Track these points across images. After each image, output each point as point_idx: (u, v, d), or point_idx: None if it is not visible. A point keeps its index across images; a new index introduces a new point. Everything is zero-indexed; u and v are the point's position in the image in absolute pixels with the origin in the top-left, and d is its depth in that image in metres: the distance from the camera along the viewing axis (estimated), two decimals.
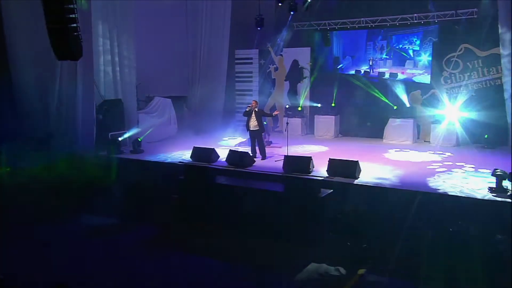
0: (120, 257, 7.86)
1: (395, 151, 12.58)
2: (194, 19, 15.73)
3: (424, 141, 13.96)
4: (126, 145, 12.75)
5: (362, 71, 15.30)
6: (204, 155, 10.87)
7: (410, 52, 14.50)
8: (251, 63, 16.77)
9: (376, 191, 8.80)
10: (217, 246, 8.26)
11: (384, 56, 14.96)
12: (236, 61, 16.99)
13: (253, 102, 11.54)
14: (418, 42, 14.33)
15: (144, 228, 9.28)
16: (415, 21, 13.85)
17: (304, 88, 15.86)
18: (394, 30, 14.58)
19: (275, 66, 16.51)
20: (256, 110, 11.24)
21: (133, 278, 7.07)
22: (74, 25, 9.31)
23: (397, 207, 8.32)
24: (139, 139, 12.45)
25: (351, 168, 9.35)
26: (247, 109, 11.29)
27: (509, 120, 12.27)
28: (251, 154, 10.95)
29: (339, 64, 15.67)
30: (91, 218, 9.81)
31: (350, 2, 14.57)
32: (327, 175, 9.46)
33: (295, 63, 16.08)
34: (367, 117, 14.71)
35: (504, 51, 12.07)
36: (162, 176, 10.61)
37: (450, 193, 8.35)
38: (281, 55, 16.26)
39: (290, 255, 7.85)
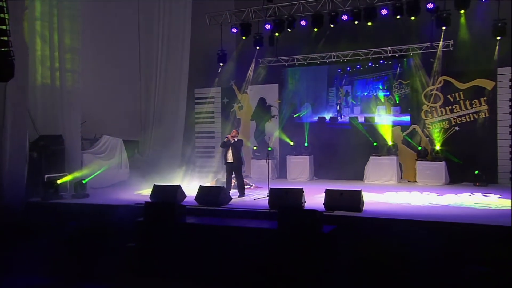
0: None
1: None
2: (148, 53, 14.17)
3: (408, 181, 12.69)
4: (66, 190, 10.41)
5: (328, 118, 14.06)
6: (168, 193, 8.82)
7: (381, 97, 13.45)
8: (212, 102, 15.22)
9: (388, 224, 7.16)
10: None
11: (352, 101, 13.84)
12: (196, 101, 15.40)
13: (234, 131, 10.17)
14: (386, 87, 13.42)
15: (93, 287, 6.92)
16: (389, 54, 13.12)
17: (273, 127, 14.41)
18: (358, 74, 13.70)
19: (239, 104, 15.05)
20: (235, 139, 9.68)
21: None
22: (5, 38, 7.76)
23: (418, 241, 6.71)
24: (84, 181, 10.18)
25: (354, 199, 7.71)
26: (224, 140, 9.89)
27: None
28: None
29: (296, 112, 14.35)
30: (23, 279, 7.33)
31: (319, 36, 13.55)
32: (325, 209, 7.73)
33: (262, 101, 14.71)
34: (344, 156, 13.28)
35: None
36: (113, 221, 8.36)
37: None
38: (246, 92, 14.87)
39: None
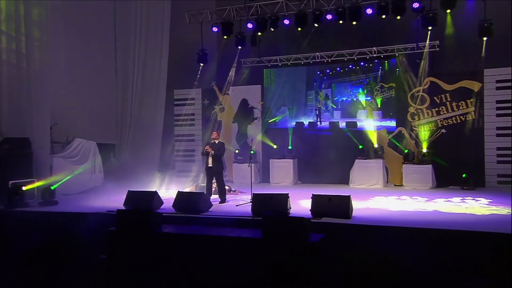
0: None
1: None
2: (125, 51, 13.55)
3: (395, 185, 12.32)
4: (33, 197, 9.68)
5: (307, 123, 13.61)
6: (143, 200, 8.22)
7: (362, 101, 13.05)
8: (193, 104, 14.65)
9: (379, 231, 6.72)
10: None
11: (332, 105, 13.39)
12: (175, 103, 14.80)
13: (214, 133, 9.69)
14: (365, 91, 13.05)
15: None
16: (375, 55, 12.77)
17: (255, 130, 13.90)
18: (338, 77, 13.30)
19: (221, 106, 14.50)
20: (216, 142, 9.21)
21: None
22: None
23: (411, 249, 6.29)
24: (52, 187, 9.48)
25: (343, 205, 7.24)
26: (205, 151, 9.36)
27: None
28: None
29: (271, 117, 13.85)
30: None
31: (302, 36, 13.08)
32: (311, 216, 7.25)
33: (244, 102, 14.19)
34: (329, 160, 12.86)
35: None
36: (83, 231, 7.70)
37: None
38: (228, 94, 14.33)
39: None
